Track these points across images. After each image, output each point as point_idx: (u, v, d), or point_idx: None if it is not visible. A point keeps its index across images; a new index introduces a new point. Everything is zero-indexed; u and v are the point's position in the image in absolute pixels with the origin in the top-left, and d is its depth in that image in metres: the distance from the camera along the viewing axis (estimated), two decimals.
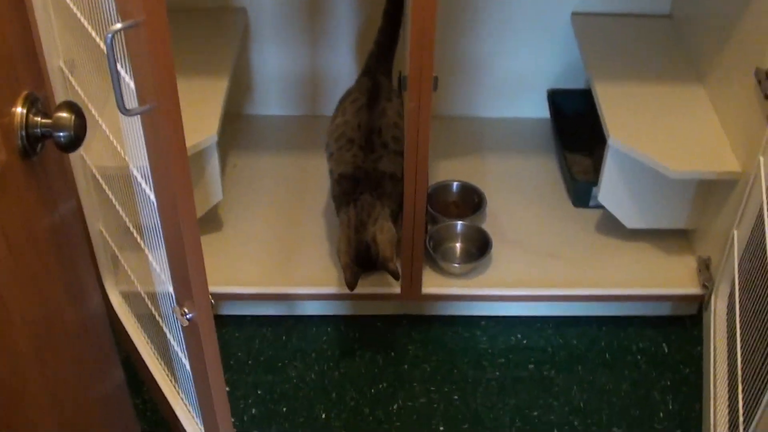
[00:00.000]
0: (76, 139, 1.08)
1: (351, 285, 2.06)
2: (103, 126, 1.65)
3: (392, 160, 2.15)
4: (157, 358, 1.92)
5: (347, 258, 2.08)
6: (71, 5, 1.60)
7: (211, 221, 2.37)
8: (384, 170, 2.12)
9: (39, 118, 1.08)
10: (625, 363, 2.25)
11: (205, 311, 1.28)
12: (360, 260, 2.08)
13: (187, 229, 1.17)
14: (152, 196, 1.36)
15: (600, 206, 2.33)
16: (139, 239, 1.66)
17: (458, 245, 2.37)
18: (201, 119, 2.10)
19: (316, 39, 2.59)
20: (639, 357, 2.27)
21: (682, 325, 2.35)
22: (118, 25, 1.02)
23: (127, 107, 1.09)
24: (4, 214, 1.04)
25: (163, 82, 1.04)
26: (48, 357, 1.19)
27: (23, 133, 1.07)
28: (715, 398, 1.96)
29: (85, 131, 1.08)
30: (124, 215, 1.74)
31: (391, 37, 2.28)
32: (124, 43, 1.10)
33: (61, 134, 1.07)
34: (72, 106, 1.08)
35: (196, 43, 2.38)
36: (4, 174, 1.03)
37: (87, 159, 1.86)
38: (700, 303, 2.28)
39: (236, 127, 2.69)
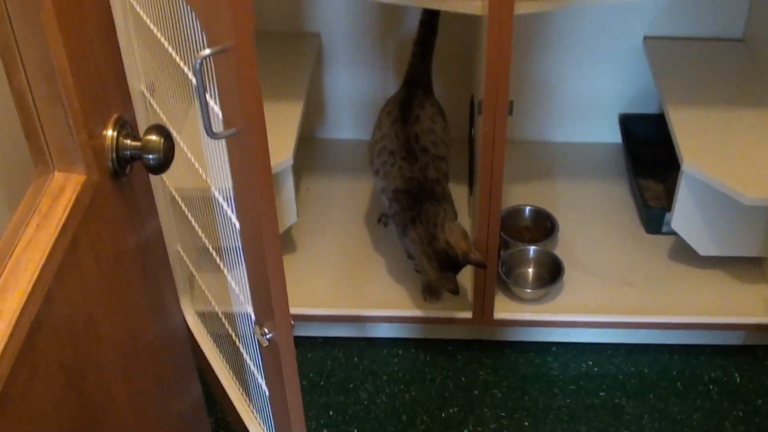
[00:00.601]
0: (165, 162, 1.10)
1: (455, 291, 2.07)
2: (184, 148, 1.68)
3: (436, 165, 2.15)
4: (232, 378, 1.94)
5: (435, 271, 2.08)
6: (153, 28, 1.64)
7: (285, 243, 2.39)
8: (432, 177, 2.13)
9: (129, 141, 1.11)
10: (697, 392, 2.23)
11: (285, 331, 1.29)
12: (446, 267, 2.08)
13: (270, 250, 1.18)
14: (234, 218, 1.38)
15: (673, 233, 2.31)
16: (218, 260, 1.69)
17: (530, 270, 2.36)
18: (276, 143, 2.13)
19: (388, 63, 2.62)
20: (711, 386, 2.24)
21: (755, 354, 2.32)
22: (207, 51, 1.04)
23: (215, 131, 1.11)
24: (94, 234, 1.07)
25: (250, 107, 1.05)
26: (132, 374, 1.22)
27: (114, 155, 1.10)
28: None
29: (173, 154, 1.11)
30: (202, 236, 1.76)
31: (427, 45, 2.28)
32: (211, 68, 1.13)
33: (151, 156, 1.10)
34: (161, 130, 1.11)
35: (270, 67, 2.42)
36: (96, 194, 1.06)
37: (166, 180, 1.89)
38: None
39: (309, 150, 2.72)
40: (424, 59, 2.28)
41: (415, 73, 2.28)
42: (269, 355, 1.39)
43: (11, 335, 0.88)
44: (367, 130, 2.72)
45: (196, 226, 1.80)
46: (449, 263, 2.07)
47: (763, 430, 2.13)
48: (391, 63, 2.61)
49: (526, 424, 2.16)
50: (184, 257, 2.02)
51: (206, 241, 1.75)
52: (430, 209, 2.09)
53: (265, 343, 1.34)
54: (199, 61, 1.06)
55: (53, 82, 0.97)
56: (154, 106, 1.79)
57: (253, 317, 1.44)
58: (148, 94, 1.79)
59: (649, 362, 2.29)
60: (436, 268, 2.07)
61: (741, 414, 2.17)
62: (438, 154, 2.16)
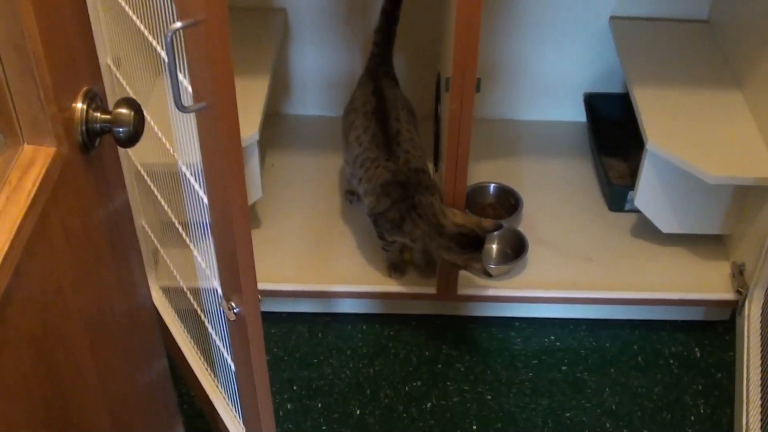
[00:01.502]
0: (135, 135, 1.10)
1: (486, 272, 2.06)
2: (151, 123, 1.67)
3: (416, 156, 2.15)
4: (197, 353, 1.95)
5: (461, 256, 2.04)
6: (122, 2, 1.63)
7: (250, 219, 2.40)
8: (416, 166, 2.13)
9: (98, 114, 1.11)
10: (658, 366, 2.26)
11: (253, 305, 1.30)
12: (468, 247, 2.05)
13: (238, 224, 1.19)
14: (201, 192, 1.39)
15: (636, 210, 2.34)
16: (184, 235, 1.69)
17: (494, 247, 2.39)
18: (242, 118, 2.11)
19: (355, 40, 2.62)
20: (671, 361, 2.28)
21: (715, 330, 2.36)
22: (178, 24, 1.04)
23: (184, 104, 1.11)
24: (64, 207, 1.07)
25: (222, 81, 1.06)
26: (100, 346, 1.22)
27: (83, 128, 1.10)
28: (747, 403, 1.96)
29: (143, 127, 1.11)
30: (168, 211, 1.76)
31: (388, 34, 2.27)
32: (181, 42, 1.13)
33: (121, 130, 1.10)
34: (131, 103, 1.11)
35: (236, 43, 2.41)
36: (65, 167, 1.06)
37: (132, 155, 1.89)
38: (734, 308, 2.29)
39: (274, 126, 2.72)
40: (385, 48, 2.28)
41: (378, 61, 2.28)
42: (236, 329, 1.40)
43: None
44: (333, 107, 2.73)
45: (162, 202, 1.80)
46: (470, 242, 2.04)
47: (722, 403, 2.18)
48: (358, 39, 2.61)
49: (489, 397, 2.19)
50: (149, 232, 2.02)
51: (172, 216, 1.76)
52: (423, 201, 2.06)
53: (233, 317, 1.35)
54: (170, 34, 1.06)
55: (24, 54, 0.97)
56: (121, 80, 1.78)
57: (220, 292, 1.44)
58: (114, 68, 1.79)
59: (610, 337, 2.33)
60: (459, 252, 2.04)
61: (701, 387, 2.21)
62: (414, 147, 2.16)
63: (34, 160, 1.02)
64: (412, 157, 2.12)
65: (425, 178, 2.10)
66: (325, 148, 2.65)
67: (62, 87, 1.04)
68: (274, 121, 2.73)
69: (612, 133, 2.60)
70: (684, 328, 2.36)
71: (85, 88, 1.11)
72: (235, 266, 1.25)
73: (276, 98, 2.74)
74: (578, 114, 2.72)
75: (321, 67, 2.68)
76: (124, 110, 1.10)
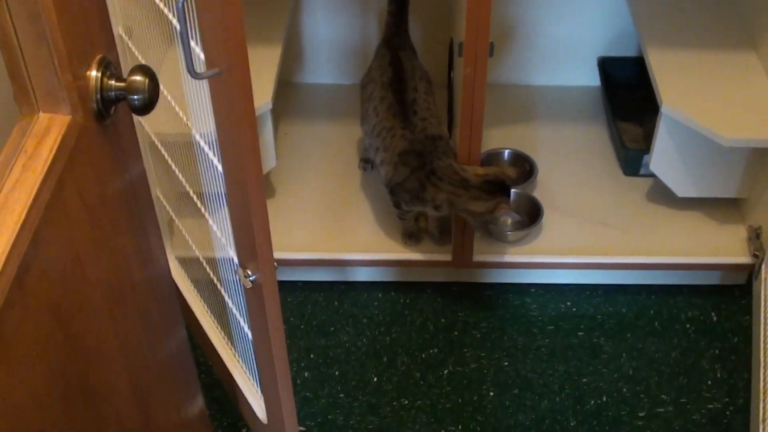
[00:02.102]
0: (150, 102, 1.10)
1: (513, 213, 2.07)
2: (164, 92, 1.67)
3: (433, 124, 2.15)
4: (214, 323, 1.96)
5: (494, 201, 2.02)
6: None
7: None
8: (433, 134, 2.12)
9: (113, 82, 1.11)
10: (674, 331, 2.26)
11: (269, 272, 1.31)
12: (497, 191, 2.04)
13: (253, 191, 1.19)
14: (216, 161, 1.39)
15: (651, 174, 2.33)
16: (199, 204, 1.69)
17: None
18: (255, 86, 2.11)
19: (369, 6, 2.61)
20: (688, 326, 2.28)
21: (731, 294, 2.36)
22: None
23: (197, 71, 1.11)
24: (80, 176, 1.07)
25: (235, 46, 1.06)
26: (119, 315, 1.23)
27: (98, 96, 1.10)
28: (764, 366, 1.97)
29: (158, 94, 1.11)
30: (183, 181, 1.77)
31: (402, 3, 2.27)
32: (193, 8, 1.13)
33: (135, 97, 1.10)
34: (145, 70, 1.11)
35: (247, 9, 2.38)
36: (81, 136, 1.06)
37: (145, 125, 1.89)
38: (750, 272, 2.29)
39: (287, 95, 2.71)
40: (400, 18, 2.27)
41: (393, 31, 2.27)
42: (253, 297, 1.41)
43: (0, 275, 0.89)
44: (346, 75, 2.73)
45: (177, 172, 1.81)
46: (498, 188, 2.02)
47: (738, 367, 2.18)
48: (372, 5, 2.60)
49: (506, 363, 2.19)
50: (164, 203, 2.03)
51: (187, 186, 1.76)
52: (441, 164, 2.06)
53: (249, 285, 1.36)
54: (181, 0, 1.06)
55: (38, 21, 0.97)
56: (133, 49, 1.78)
57: (236, 260, 1.45)
58: (126, 38, 1.79)
59: (627, 302, 2.33)
60: (489, 199, 2.01)
61: (717, 352, 2.21)
62: (432, 114, 2.15)
63: (50, 129, 1.02)
64: (429, 124, 2.12)
65: (442, 144, 2.09)
66: (339, 116, 2.65)
67: (77, 55, 1.04)
68: (287, 89, 2.73)
69: (626, 97, 2.59)
70: (700, 292, 2.36)
71: (99, 56, 1.11)
72: (251, 234, 1.26)
73: (289, 66, 2.73)
74: (592, 78, 2.71)
75: (334, 34, 2.67)
76: (138, 77, 1.10)
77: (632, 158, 2.43)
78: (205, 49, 1.15)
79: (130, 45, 1.79)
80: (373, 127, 2.19)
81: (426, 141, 2.09)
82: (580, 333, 2.26)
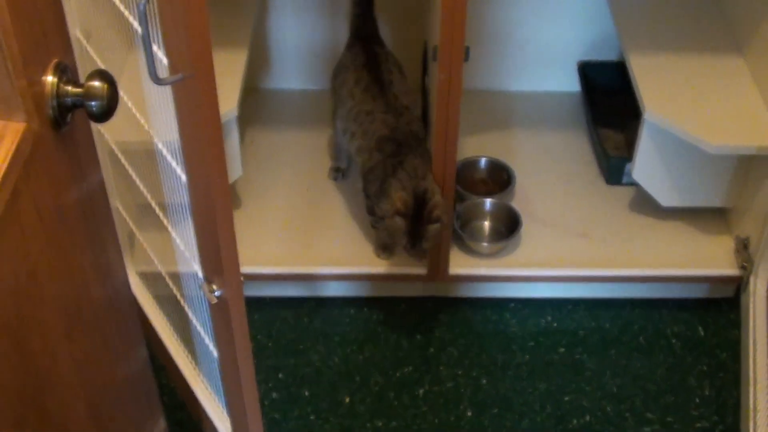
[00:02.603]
0: (109, 109, 1.10)
1: (410, 246, 2.09)
2: (125, 98, 1.67)
3: (415, 120, 2.16)
4: (177, 341, 1.95)
5: (404, 221, 2.05)
6: None
7: None
8: (416, 130, 2.14)
9: (70, 87, 1.10)
10: (660, 347, 2.27)
11: (235, 287, 1.30)
12: (414, 215, 2.05)
13: (219, 202, 1.19)
14: (179, 170, 1.38)
15: (634, 183, 2.34)
16: (161, 216, 1.69)
17: (487, 224, 2.39)
18: (220, 92, 2.11)
19: (338, 8, 2.61)
20: (674, 341, 2.29)
21: (719, 307, 2.37)
22: None
23: (160, 76, 1.11)
24: (35, 186, 1.06)
25: (199, 50, 1.06)
26: (77, 334, 1.22)
27: (54, 102, 1.09)
28: (755, 383, 1.97)
29: (117, 101, 1.11)
30: (144, 192, 1.76)
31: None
32: (154, 10, 1.12)
33: (94, 104, 1.09)
34: (104, 75, 1.10)
35: (210, 11, 2.39)
36: (36, 143, 1.06)
37: (105, 133, 1.88)
38: (738, 285, 2.30)
39: (253, 101, 2.71)
40: (366, 8, 2.28)
41: (360, 23, 2.28)
42: (219, 314, 1.41)
43: None
44: (315, 80, 2.72)
45: (138, 182, 1.80)
46: (418, 211, 2.05)
47: (727, 384, 2.19)
48: (342, 7, 2.60)
49: (484, 381, 2.19)
50: (124, 215, 2.02)
51: (149, 197, 1.75)
52: (414, 161, 2.08)
53: (214, 301, 1.35)
54: (143, 2, 1.06)
55: None
56: (91, 53, 1.77)
57: (200, 275, 1.44)
58: (84, 41, 1.78)
59: (610, 317, 2.34)
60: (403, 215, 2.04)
61: (705, 368, 2.23)
62: (416, 114, 2.17)
63: (4, 136, 1.01)
64: (415, 119, 2.15)
65: (422, 146, 2.12)
66: (308, 123, 2.65)
67: (31, 59, 1.04)
68: (252, 95, 2.72)
69: (608, 103, 2.60)
70: (686, 306, 2.37)
71: (55, 61, 1.10)
72: (216, 247, 1.25)
73: (254, 71, 2.73)
74: (572, 84, 2.72)
75: (302, 37, 2.67)
76: (96, 83, 1.09)
77: (614, 166, 2.45)
78: (168, 54, 1.15)
79: (88, 49, 1.78)
80: (348, 110, 2.20)
81: (409, 134, 2.10)
82: (562, 349, 2.27)
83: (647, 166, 2.23)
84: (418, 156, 2.08)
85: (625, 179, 2.45)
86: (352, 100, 2.20)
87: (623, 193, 2.46)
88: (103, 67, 1.74)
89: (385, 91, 2.16)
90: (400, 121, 2.12)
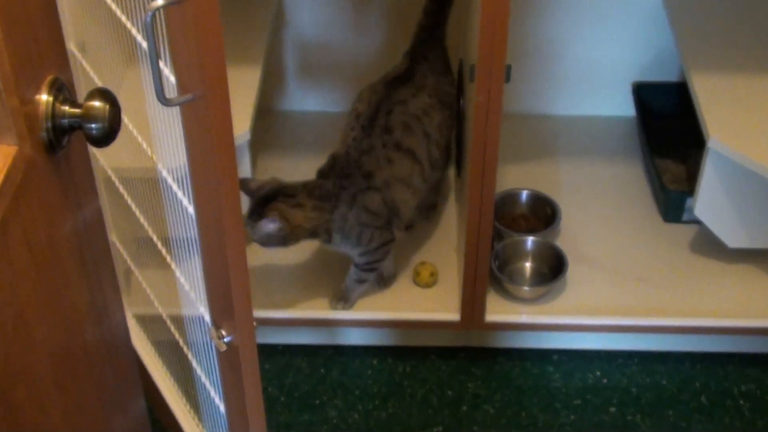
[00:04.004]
0: (111, 132, 1.11)
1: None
2: (124, 119, 1.68)
3: (387, 158, 2.14)
4: (178, 393, 1.95)
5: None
6: None
7: None
8: (366, 168, 2.13)
9: (67, 107, 1.11)
10: (725, 408, 2.26)
11: (247, 333, 1.31)
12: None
13: (232, 238, 1.19)
14: (186, 202, 1.39)
15: (696, 221, 2.34)
16: (164, 252, 1.69)
17: (528, 265, 2.39)
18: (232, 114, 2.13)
19: (362, 24, 2.62)
20: (741, 401, 2.27)
21: None
22: (160, 1, 1.05)
23: (167, 96, 1.12)
24: (26, 217, 1.07)
25: (212, 68, 1.06)
26: (68, 384, 1.22)
27: (49, 124, 1.10)
28: None
29: (120, 123, 1.11)
30: (145, 224, 1.77)
31: (437, 17, 2.29)
32: (162, 23, 1.14)
33: (93, 126, 1.10)
34: (106, 94, 1.11)
35: (222, 25, 2.41)
36: (28, 169, 1.06)
37: (101, 159, 1.90)
38: None
39: (267, 124, 2.72)
40: (438, 17, 2.28)
41: (422, 44, 2.28)
42: (227, 363, 1.41)
43: None
44: (335, 102, 2.73)
45: (138, 213, 1.81)
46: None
47: None
48: (367, 22, 2.62)
49: None
50: (121, 250, 2.03)
51: (150, 231, 1.76)
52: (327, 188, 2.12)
53: (224, 348, 1.35)
54: (150, 14, 1.07)
55: None
56: (87, 68, 1.79)
57: (207, 319, 1.45)
58: (78, 55, 1.80)
59: (667, 373, 2.33)
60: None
61: None
62: (401, 143, 2.15)
63: None
64: (382, 152, 2.14)
65: (357, 185, 2.13)
66: (326, 149, 2.64)
67: (24, 76, 1.05)
68: (266, 118, 2.74)
69: (666, 130, 2.60)
70: (756, 362, 2.36)
71: (50, 77, 1.11)
72: (227, 288, 1.26)
73: (269, 92, 2.74)
74: (626, 107, 2.72)
75: (322, 54, 2.68)
76: (97, 103, 1.10)
77: (673, 201, 2.44)
78: (176, 72, 1.16)
79: (83, 63, 1.80)
80: (351, 111, 2.24)
81: (353, 164, 2.13)
82: (612, 409, 2.26)
83: (711, 202, 2.22)
84: (336, 203, 2.13)
85: (685, 216, 2.44)
86: (359, 101, 2.24)
87: (683, 232, 2.45)
88: (100, 84, 1.75)
89: (390, 99, 2.17)
90: (362, 141, 2.14)
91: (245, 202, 2.23)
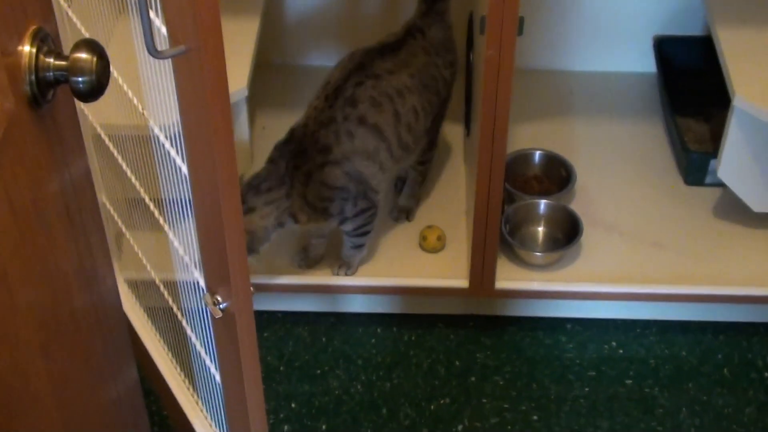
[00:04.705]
0: (98, 86, 1.10)
1: None
2: (114, 74, 1.68)
3: (344, 129, 2.12)
4: (172, 362, 1.96)
5: None
6: None
7: None
8: (323, 142, 2.11)
9: (52, 60, 1.11)
10: (749, 381, 2.26)
11: (244, 299, 1.31)
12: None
13: (227, 199, 1.19)
14: (179, 160, 1.39)
15: (719, 184, 2.33)
16: (156, 214, 1.70)
17: (540, 229, 2.39)
18: (228, 68, 2.12)
19: None
20: (766, 374, 2.28)
21: None
22: None
23: (158, 48, 1.12)
24: (9, 176, 1.07)
25: (207, 18, 1.06)
26: (54, 350, 1.23)
27: (33, 77, 1.10)
28: None
29: (109, 77, 1.11)
30: (137, 185, 1.77)
31: None
32: None
33: (80, 79, 1.10)
34: (93, 46, 1.10)
35: None
36: (10, 126, 1.06)
37: (89, 115, 1.89)
38: None
39: (265, 79, 2.72)
40: None
41: (422, 11, 2.24)
42: (223, 330, 1.41)
43: None
44: (339, 55, 2.71)
45: (129, 173, 1.81)
46: None
47: None
48: None
49: (535, 418, 2.19)
50: (111, 212, 2.03)
51: (141, 191, 1.76)
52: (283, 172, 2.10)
53: (219, 315, 1.35)
54: None
55: None
56: (74, 19, 1.78)
57: (202, 284, 1.45)
58: (64, 4, 1.79)
59: (687, 344, 2.33)
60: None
61: None
62: (365, 117, 2.12)
63: None
64: (343, 125, 2.11)
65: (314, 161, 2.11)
66: None
67: (5, 25, 1.04)
68: (265, 73, 2.73)
69: (689, 87, 2.59)
70: None
71: (33, 28, 1.11)
72: (222, 251, 1.26)
73: (267, 45, 2.74)
74: (646, 63, 2.71)
75: (323, 6, 2.67)
76: (83, 55, 1.10)
77: (695, 163, 2.44)
78: (168, 22, 1.15)
79: (70, 14, 1.80)
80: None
81: (310, 137, 2.10)
82: (629, 381, 2.26)
83: (736, 164, 2.22)
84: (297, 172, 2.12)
85: (708, 179, 2.44)
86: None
87: (706, 195, 2.45)
88: (88, 35, 1.75)
89: (365, 69, 2.14)
90: (322, 111, 2.12)
91: (241, 162, 2.23)
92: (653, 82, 2.72)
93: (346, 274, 2.26)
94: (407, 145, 2.19)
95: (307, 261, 2.28)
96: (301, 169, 2.09)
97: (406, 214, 2.40)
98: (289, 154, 2.09)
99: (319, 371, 2.27)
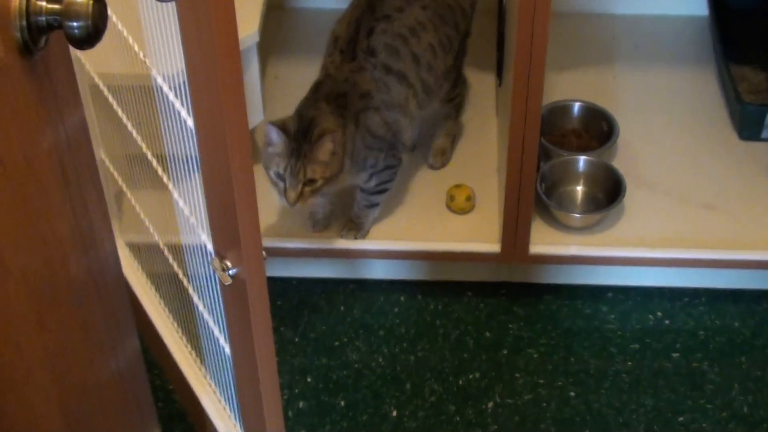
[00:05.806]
0: (95, 31, 1.09)
1: None
2: (113, 18, 1.67)
3: (378, 76, 2.13)
4: (177, 332, 1.97)
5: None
6: None
7: None
8: (364, 87, 2.12)
9: (44, 3, 1.10)
10: None
11: (255, 264, 1.31)
12: None
13: (237, 154, 1.19)
14: (184, 113, 1.39)
15: None
16: (160, 171, 1.70)
17: (579, 189, 2.38)
18: (237, 11, 2.12)
19: None
20: None
21: None
22: None
23: None
24: None
25: None
26: (50, 321, 1.23)
27: (24, 22, 1.09)
28: None
29: (106, 21, 1.10)
30: (138, 139, 1.77)
31: None
32: None
33: (75, 24, 1.09)
34: None
35: None
36: (0, 76, 1.06)
37: (86, 63, 1.89)
38: None
39: (277, 24, 2.71)
40: None
41: None
42: (233, 298, 1.41)
43: None
44: None
45: (130, 126, 1.81)
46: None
47: None
48: None
49: (572, 394, 2.20)
50: (111, 169, 2.03)
51: (143, 147, 1.76)
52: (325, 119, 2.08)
53: (228, 281, 1.36)
54: None
55: None
56: None
57: (210, 248, 1.45)
58: None
59: (740, 314, 2.33)
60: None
61: None
62: (387, 64, 2.13)
63: None
64: (371, 76, 2.12)
65: (357, 105, 2.11)
66: None
67: None
68: (277, 16, 2.73)
69: (745, 32, 2.58)
70: None
71: None
72: (232, 212, 1.26)
73: None
74: (697, 5, 2.70)
75: None
76: None
77: (751, 116, 2.43)
78: None
79: None
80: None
81: (343, 85, 2.11)
82: (675, 355, 2.26)
83: None
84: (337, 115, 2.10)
85: (765, 133, 2.43)
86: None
87: (762, 151, 2.44)
88: None
89: (371, 18, 2.14)
90: (344, 67, 2.13)
91: (252, 115, 2.23)
92: (704, 25, 2.71)
93: (356, 238, 2.26)
94: (430, 88, 2.20)
95: (321, 222, 2.28)
96: (349, 110, 2.10)
97: (441, 153, 2.40)
98: (326, 97, 2.10)
99: (337, 343, 2.28)
